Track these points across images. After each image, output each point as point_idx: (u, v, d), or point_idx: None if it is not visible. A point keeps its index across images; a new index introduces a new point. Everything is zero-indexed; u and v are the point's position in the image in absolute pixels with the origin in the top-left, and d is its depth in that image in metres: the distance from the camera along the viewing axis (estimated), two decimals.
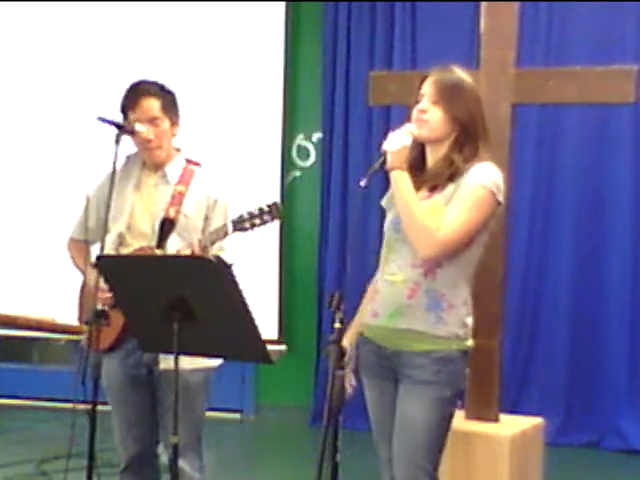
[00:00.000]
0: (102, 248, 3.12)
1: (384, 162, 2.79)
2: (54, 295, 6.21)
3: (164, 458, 3.36)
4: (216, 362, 3.32)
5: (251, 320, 2.64)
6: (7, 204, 6.55)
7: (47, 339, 6.46)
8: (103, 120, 3.16)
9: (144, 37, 6.33)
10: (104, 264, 2.87)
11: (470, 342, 2.85)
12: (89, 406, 2.94)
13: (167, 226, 3.26)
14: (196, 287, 2.66)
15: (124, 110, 3.31)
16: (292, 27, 6.28)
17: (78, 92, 6.35)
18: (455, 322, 2.79)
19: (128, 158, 3.40)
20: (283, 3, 6.25)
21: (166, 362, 3.11)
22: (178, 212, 3.27)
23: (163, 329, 2.69)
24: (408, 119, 2.89)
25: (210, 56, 6.25)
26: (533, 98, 4.17)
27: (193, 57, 6.23)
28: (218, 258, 3.07)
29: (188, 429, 3.23)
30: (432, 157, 2.87)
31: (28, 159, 6.49)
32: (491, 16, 4.06)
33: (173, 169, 3.34)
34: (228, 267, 2.64)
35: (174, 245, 3.24)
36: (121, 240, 3.31)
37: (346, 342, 2.90)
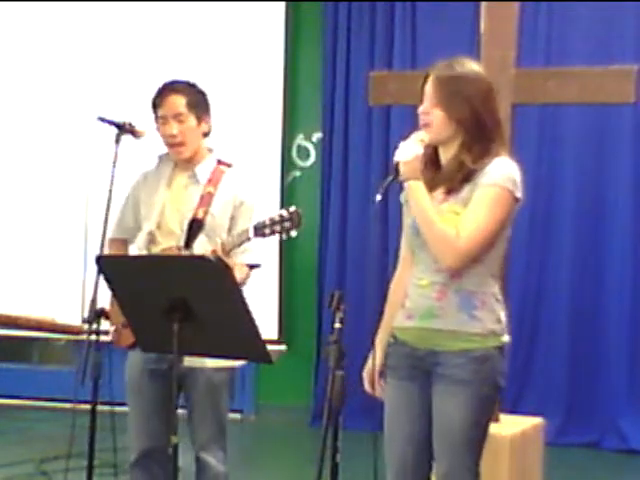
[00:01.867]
0: (102, 249, 3.15)
1: (397, 174, 2.73)
2: (54, 295, 6.22)
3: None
4: (239, 362, 3.39)
5: (251, 320, 2.64)
6: (7, 204, 6.55)
7: (47, 339, 6.45)
8: (103, 120, 3.17)
9: (144, 37, 6.34)
10: (104, 264, 2.87)
11: (506, 337, 2.81)
12: (89, 406, 2.95)
13: (195, 227, 3.28)
14: (196, 287, 2.66)
15: (154, 108, 3.35)
16: (292, 27, 6.28)
17: (78, 92, 6.36)
18: (490, 318, 2.76)
19: (160, 158, 3.44)
20: (283, 3, 6.25)
21: (190, 360, 3.13)
22: (206, 213, 3.29)
23: (163, 329, 2.69)
24: (410, 118, 2.86)
25: (210, 56, 6.25)
26: (533, 98, 4.16)
27: (193, 57, 6.22)
28: (218, 258, 3.08)
29: (213, 424, 3.33)
30: (444, 156, 2.81)
31: (28, 159, 6.49)
32: (491, 16, 4.06)
33: (203, 169, 3.37)
34: (228, 267, 2.64)
35: (202, 245, 3.27)
36: (151, 238, 3.35)
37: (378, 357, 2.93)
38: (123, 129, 3.19)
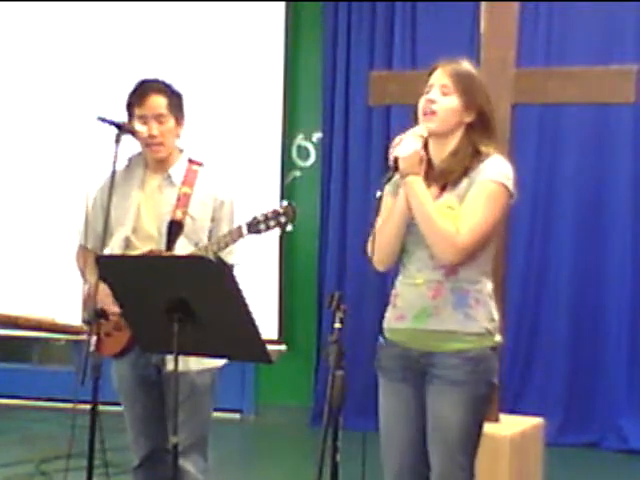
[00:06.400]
0: (102, 250, 3.13)
1: (396, 169, 2.74)
2: (54, 295, 6.22)
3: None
4: (221, 362, 3.33)
5: (251, 320, 2.64)
6: (7, 204, 6.55)
7: (47, 339, 6.45)
8: (103, 120, 3.16)
9: (144, 37, 6.33)
10: (104, 265, 2.87)
11: (499, 337, 2.81)
12: (89, 406, 2.95)
13: (175, 229, 3.25)
14: (196, 287, 2.65)
15: (130, 106, 3.30)
16: (292, 27, 6.28)
17: (78, 92, 6.36)
18: (484, 317, 2.77)
19: (130, 160, 3.39)
20: (283, 3, 6.25)
21: (172, 364, 3.12)
22: (185, 214, 3.26)
23: (163, 329, 2.69)
24: (411, 118, 2.86)
25: (210, 56, 6.25)
26: (533, 98, 4.17)
27: (193, 57, 6.23)
28: (218, 258, 3.07)
29: (194, 430, 3.25)
30: (438, 153, 2.81)
31: (28, 159, 6.49)
32: (491, 16, 4.06)
33: (177, 170, 3.33)
34: (228, 267, 2.64)
35: (182, 248, 3.23)
36: (127, 243, 3.30)
37: None
38: (123, 129, 3.17)
